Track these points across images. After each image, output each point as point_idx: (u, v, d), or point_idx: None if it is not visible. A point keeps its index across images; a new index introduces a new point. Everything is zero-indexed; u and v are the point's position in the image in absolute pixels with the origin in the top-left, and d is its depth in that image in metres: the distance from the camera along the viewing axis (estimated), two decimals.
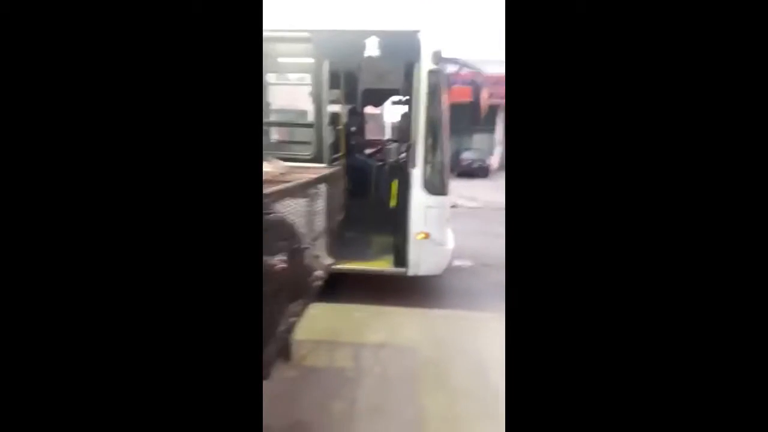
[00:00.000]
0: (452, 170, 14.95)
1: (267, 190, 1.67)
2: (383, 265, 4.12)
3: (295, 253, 1.92)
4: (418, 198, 3.84)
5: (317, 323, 3.25)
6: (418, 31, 3.64)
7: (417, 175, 3.81)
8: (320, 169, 2.47)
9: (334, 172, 2.55)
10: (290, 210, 1.85)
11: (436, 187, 3.86)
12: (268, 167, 2.00)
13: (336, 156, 4.20)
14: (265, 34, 3.91)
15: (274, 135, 4.04)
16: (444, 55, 3.69)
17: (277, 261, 1.77)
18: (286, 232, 1.85)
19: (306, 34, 3.72)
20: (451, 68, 4.04)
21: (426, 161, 3.80)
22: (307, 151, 3.83)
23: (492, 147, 18.81)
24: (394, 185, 4.27)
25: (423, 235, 3.89)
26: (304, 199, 1.99)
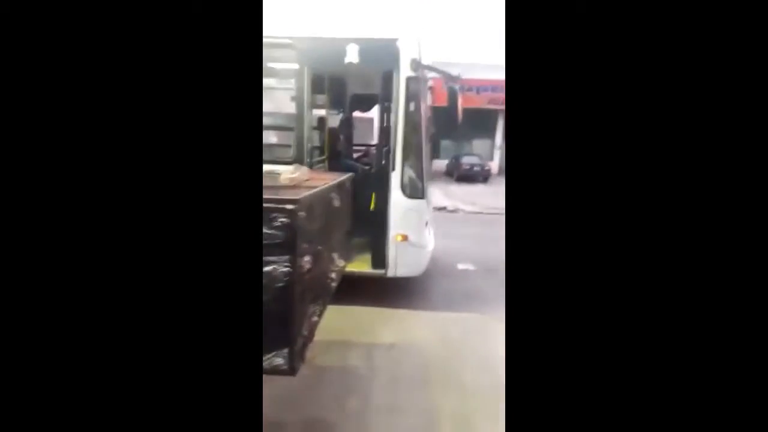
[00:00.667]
0: (452, 175, 14.61)
1: (299, 195, 1.74)
2: (362, 266, 4.21)
3: (318, 255, 1.98)
4: (397, 201, 3.96)
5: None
6: (396, 39, 3.77)
7: (395, 178, 3.94)
8: (336, 175, 2.53)
9: (348, 178, 2.63)
10: (314, 213, 1.91)
11: (414, 190, 4.00)
12: (295, 173, 2.04)
13: (319, 159, 4.24)
14: None
15: (268, 138, 4.04)
16: (425, 61, 3.85)
17: (305, 262, 1.83)
18: (311, 234, 1.90)
19: (289, 41, 3.75)
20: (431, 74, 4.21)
21: (404, 165, 3.94)
22: (288, 154, 3.84)
23: (492, 152, 19.03)
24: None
25: (401, 237, 4.02)
26: (324, 203, 2.05)
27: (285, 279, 1.70)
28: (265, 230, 1.80)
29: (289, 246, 1.69)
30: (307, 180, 2.08)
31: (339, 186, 2.29)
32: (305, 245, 1.85)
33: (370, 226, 4.34)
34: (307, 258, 1.87)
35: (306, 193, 1.77)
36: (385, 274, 4.09)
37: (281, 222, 1.72)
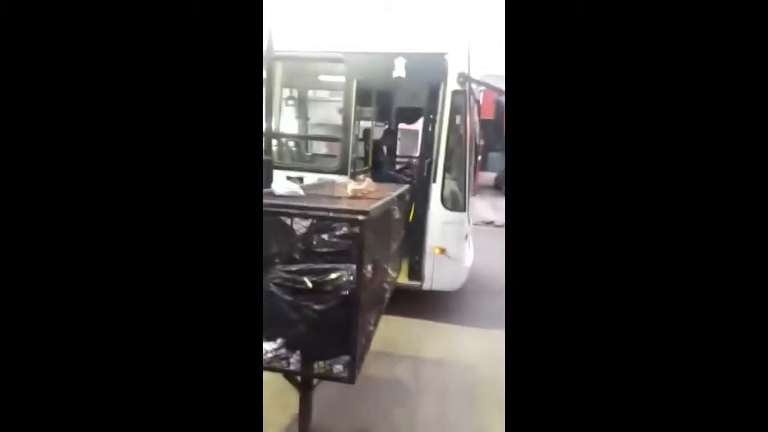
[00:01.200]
0: (501, 188, 14.13)
1: (369, 206, 1.77)
2: (399, 277, 4.20)
3: (377, 265, 2.01)
4: (436, 213, 3.96)
5: None
6: (445, 53, 3.81)
7: (436, 190, 3.95)
8: (395, 186, 2.58)
9: (406, 190, 2.66)
10: (378, 224, 1.95)
11: (454, 203, 3.99)
12: (361, 185, 2.09)
13: (362, 170, 4.30)
14: (307, 54, 3.99)
15: (316, 148, 4.13)
16: (474, 75, 3.87)
17: (368, 272, 1.86)
18: (374, 245, 1.94)
19: (340, 55, 3.84)
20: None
21: (445, 178, 3.94)
22: (333, 164, 3.90)
23: None
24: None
25: (439, 250, 4.00)
26: (387, 215, 2.08)
27: (350, 287, 1.73)
28: (332, 239, 1.84)
29: (356, 255, 1.72)
30: (371, 192, 2.13)
31: (399, 198, 2.33)
32: (369, 255, 1.88)
33: (408, 237, 4.35)
34: (369, 267, 1.90)
35: (374, 204, 1.80)
36: (421, 286, 4.07)
37: (350, 231, 1.76)
